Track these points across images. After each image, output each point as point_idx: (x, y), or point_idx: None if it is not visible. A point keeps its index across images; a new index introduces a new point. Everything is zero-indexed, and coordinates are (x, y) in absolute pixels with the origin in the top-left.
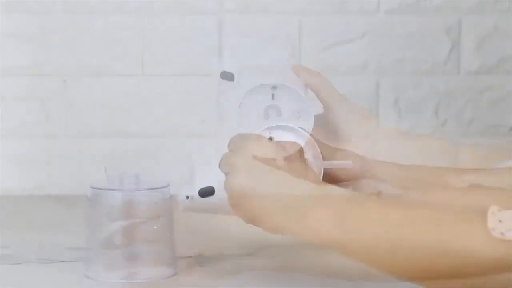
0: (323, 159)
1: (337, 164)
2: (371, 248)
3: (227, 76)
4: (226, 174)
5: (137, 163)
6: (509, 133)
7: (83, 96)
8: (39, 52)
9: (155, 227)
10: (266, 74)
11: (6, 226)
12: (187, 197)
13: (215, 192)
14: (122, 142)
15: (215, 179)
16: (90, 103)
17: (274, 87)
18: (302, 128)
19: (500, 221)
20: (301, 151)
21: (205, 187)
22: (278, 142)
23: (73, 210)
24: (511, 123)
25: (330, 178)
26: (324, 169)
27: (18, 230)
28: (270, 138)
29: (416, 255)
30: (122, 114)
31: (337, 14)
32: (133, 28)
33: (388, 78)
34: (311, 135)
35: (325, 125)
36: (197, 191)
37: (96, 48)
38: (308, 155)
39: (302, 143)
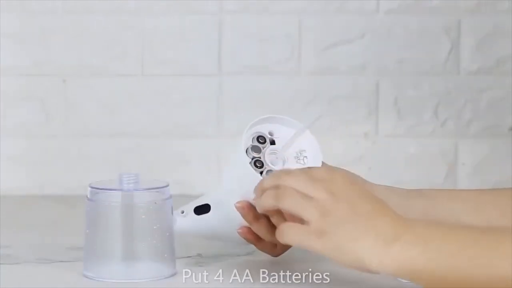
0: None
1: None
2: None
3: (203, 209)
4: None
5: (137, 163)
6: (508, 133)
7: (83, 96)
8: (39, 52)
9: (155, 227)
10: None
11: (6, 226)
12: (182, 211)
13: (211, 210)
14: (122, 142)
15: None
16: (90, 103)
17: (271, 133)
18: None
19: None
20: None
21: (202, 205)
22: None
23: (73, 210)
24: (511, 123)
25: None
26: None
27: (18, 230)
28: (271, 134)
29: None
30: (122, 114)
31: (337, 14)
32: (133, 28)
33: (388, 78)
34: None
35: None
36: (193, 209)
37: (96, 48)
38: (308, 154)
39: (301, 137)
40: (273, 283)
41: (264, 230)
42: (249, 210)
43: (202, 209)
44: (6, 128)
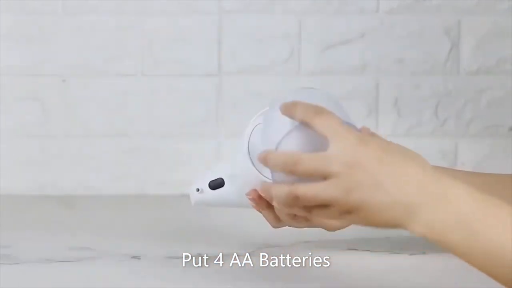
0: None
1: None
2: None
3: (216, 184)
4: None
5: (137, 163)
6: (508, 133)
7: (83, 96)
8: (39, 52)
9: None
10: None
11: (6, 226)
12: (198, 189)
13: (225, 184)
14: (122, 142)
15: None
16: (90, 103)
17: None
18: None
19: None
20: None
21: (215, 179)
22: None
23: (73, 210)
24: (510, 123)
25: None
26: None
27: (18, 230)
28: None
29: None
30: (122, 114)
31: (337, 14)
32: (133, 28)
33: (388, 78)
34: None
35: None
36: (207, 184)
37: (96, 48)
38: None
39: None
40: (273, 267)
41: (272, 216)
42: (260, 199)
43: (217, 183)
44: (6, 128)
